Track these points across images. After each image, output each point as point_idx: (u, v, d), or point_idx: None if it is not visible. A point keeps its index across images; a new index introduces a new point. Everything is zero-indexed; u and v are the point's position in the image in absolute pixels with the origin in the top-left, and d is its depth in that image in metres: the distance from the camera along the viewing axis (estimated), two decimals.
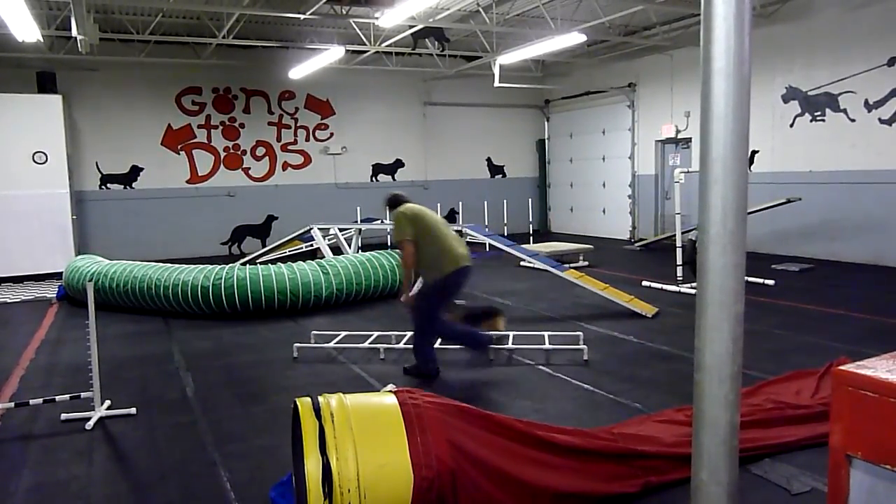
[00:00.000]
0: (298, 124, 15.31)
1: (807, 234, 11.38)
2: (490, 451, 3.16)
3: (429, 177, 16.64)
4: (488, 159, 17.60)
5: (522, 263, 10.92)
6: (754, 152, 12.31)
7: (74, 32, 8.03)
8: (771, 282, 9.09)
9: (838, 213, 10.96)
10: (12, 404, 4.85)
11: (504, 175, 17.83)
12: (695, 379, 0.96)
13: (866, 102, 10.49)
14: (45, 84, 12.26)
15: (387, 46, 12.84)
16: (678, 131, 13.90)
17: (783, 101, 11.68)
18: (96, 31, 8.44)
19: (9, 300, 9.77)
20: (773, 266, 10.40)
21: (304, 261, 9.05)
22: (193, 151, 14.41)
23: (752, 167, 12.25)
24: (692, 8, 11.08)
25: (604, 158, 16.25)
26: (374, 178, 16.22)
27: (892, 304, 7.81)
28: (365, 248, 10.88)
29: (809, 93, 11.28)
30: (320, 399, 3.16)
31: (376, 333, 6.63)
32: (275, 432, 4.45)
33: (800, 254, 11.46)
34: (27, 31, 8.67)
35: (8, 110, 11.46)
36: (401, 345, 6.35)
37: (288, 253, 12.03)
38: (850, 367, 1.14)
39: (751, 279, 9.32)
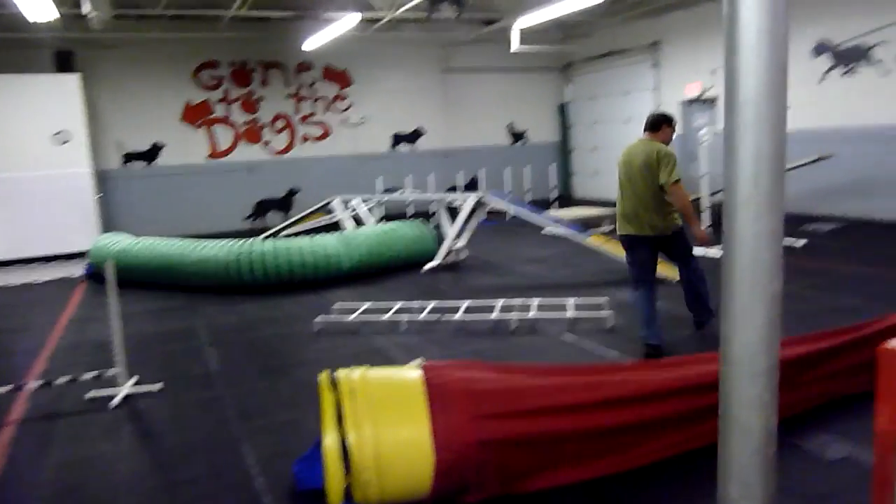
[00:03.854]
0: (317, 96, 15.19)
1: (839, 192, 11.03)
2: (525, 419, 3.06)
3: (449, 145, 16.45)
4: (509, 125, 17.34)
5: (546, 230, 10.78)
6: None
7: (86, 9, 7.95)
8: (801, 242, 8.85)
9: (872, 171, 10.59)
10: (41, 382, 4.91)
11: (526, 141, 17.57)
12: (720, 373, 0.83)
13: None
14: (63, 63, 12.28)
15: (403, 13, 12.60)
16: (704, 90, 13.50)
17: (814, 54, 11.24)
18: (108, 7, 8.36)
19: (37, 280, 9.92)
20: (802, 227, 10.12)
21: (326, 233, 9.03)
22: (213, 127, 14.40)
23: None
24: None
25: (627, 121, 15.90)
26: (393, 148, 16.08)
27: None
28: (389, 218, 10.82)
29: (841, 45, 10.84)
30: (340, 373, 3.12)
31: (399, 304, 6.60)
32: (299, 406, 4.45)
33: (831, 213, 11.13)
34: (43, 10, 8.63)
35: (26, 91, 11.51)
36: (422, 316, 6.29)
37: (311, 226, 12.01)
38: None
39: None
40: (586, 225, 10.53)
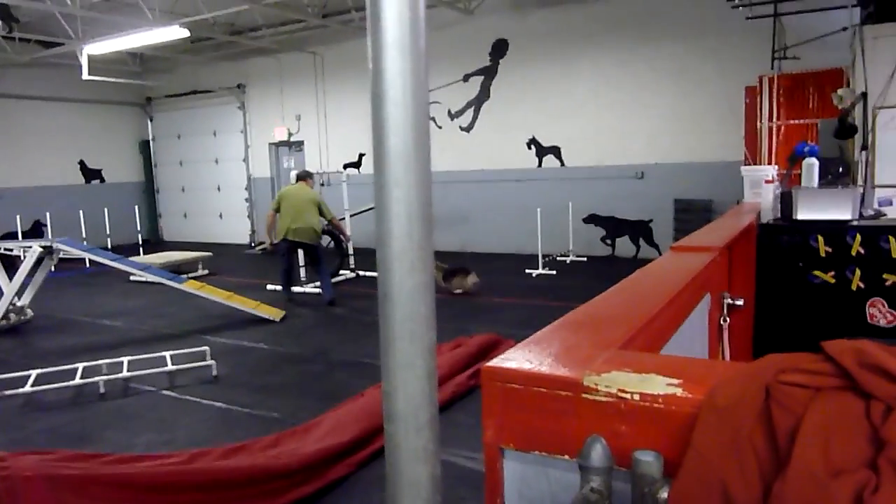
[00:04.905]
0: None
1: None
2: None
3: (1, 184, 13.84)
4: (81, 162, 15.42)
5: (133, 279, 9.83)
6: (362, 155, 13.17)
7: None
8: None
9: (434, 209, 12.34)
10: None
11: (102, 180, 15.84)
12: (386, 431, 0.82)
13: (449, 112, 12.03)
14: None
15: None
16: (290, 134, 14.09)
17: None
18: None
19: None
20: None
21: None
22: None
23: (360, 169, 13.07)
24: (297, 14, 11.27)
25: (217, 161, 15.63)
26: None
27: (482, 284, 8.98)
28: None
29: None
30: None
31: None
32: None
33: None
34: None
35: None
36: None
37: None
38: (496, 363, 1.15)
39: (369, 273, 9.95)
40: (179, 270, 9.95)
